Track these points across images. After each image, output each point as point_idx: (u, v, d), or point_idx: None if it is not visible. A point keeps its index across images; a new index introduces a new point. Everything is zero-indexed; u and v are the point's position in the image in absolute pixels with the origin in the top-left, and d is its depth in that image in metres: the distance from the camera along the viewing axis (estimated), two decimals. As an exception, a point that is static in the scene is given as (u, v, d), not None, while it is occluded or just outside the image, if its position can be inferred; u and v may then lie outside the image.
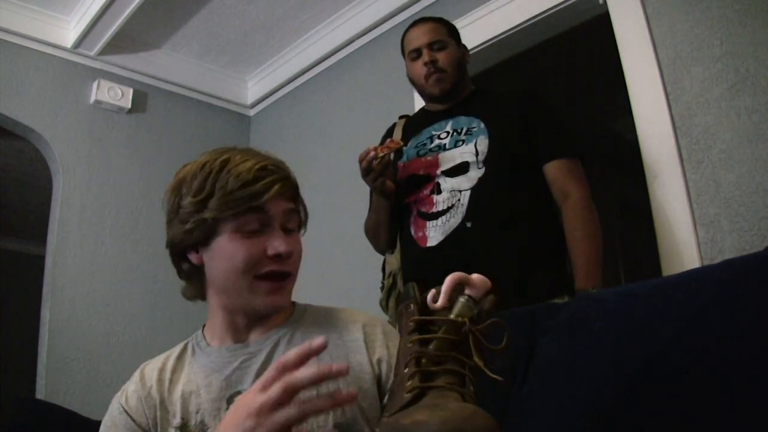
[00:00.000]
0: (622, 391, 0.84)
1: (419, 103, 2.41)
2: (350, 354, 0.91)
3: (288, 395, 0.66)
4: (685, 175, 1.68)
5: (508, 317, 1.12)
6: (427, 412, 0.55)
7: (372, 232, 1.76)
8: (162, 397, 0.91)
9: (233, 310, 0.92)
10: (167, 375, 0.94)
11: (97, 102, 2.79)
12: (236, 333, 0.94)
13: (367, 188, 1.75)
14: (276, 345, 0.92)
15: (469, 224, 1.50)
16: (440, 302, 0.66)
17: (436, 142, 1.64)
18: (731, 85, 1.64)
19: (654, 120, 1.77)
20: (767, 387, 0.73)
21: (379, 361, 0.91)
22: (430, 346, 0.63)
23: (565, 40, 2.33)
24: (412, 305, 0.69)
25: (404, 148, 1.69)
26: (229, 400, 0.87)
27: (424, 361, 0.63)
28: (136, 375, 0.97)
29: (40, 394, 2.37)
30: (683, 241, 1.64)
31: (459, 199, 1.53)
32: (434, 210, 1.56)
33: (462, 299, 0.65)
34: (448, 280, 0.67)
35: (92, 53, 2.78)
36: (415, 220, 1.60)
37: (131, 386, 0.95)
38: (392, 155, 1.60)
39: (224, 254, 0.87)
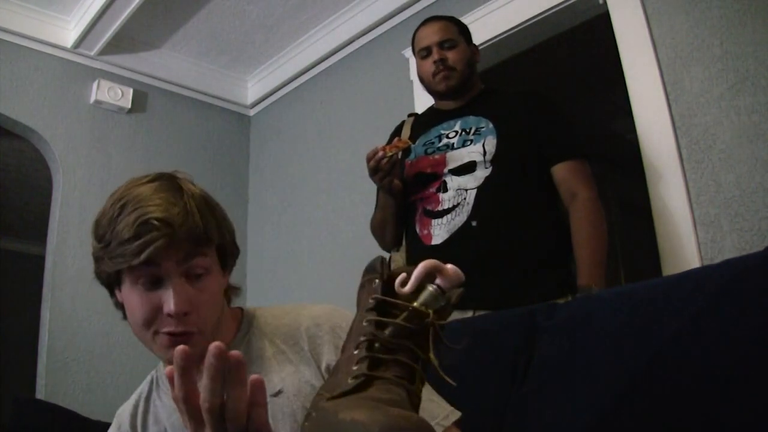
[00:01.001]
0: (622, 390, 0.84)
1: (419, 103, 2.41)
2: (300, 366, 0.86)
3: (217, 418, 0.59)
4: (685, 175, 1.68)
5: (508, 317, 1.13)
6: (368, 413, 0.50)
7: (378, 229, 1.76)
8: None
9: None
10: (139, 418, 0.93)
11: (97, 102, 2.79)
12: None
13: (369, 188, 1.75)
14: None
15: (474, 223, 1.50)
16: (408, 287, 0.61)
17: (444, 141, 1.64)
18: (731, 85, 1.64)
19: (654, 120, 1.77)
20: (767, 387, 0.73)
21: (329, 368, 0.85)
22: (386, 331, 0.59)
23: (565, 40, 2.33)
24: (376, 281, 0.64)
25: (412, 146, 1.69)
26: None
27: (376, 345, 0.58)
28: (114, 425, 0.96)
29: (40, 394, 2.37)
30: (683, 241, 1.64)
31: (465, 198, 1.53)
32: (440, 208, 1.56)
33: (431, 288, 0.61)
34: (422, 266, 0.62)
35: (92, 53, 2.78)
36: (421, 217, 1.60)
37: None
38: (400, 154, 1.60)
39: (128, 304, 0.84)
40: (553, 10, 2.10)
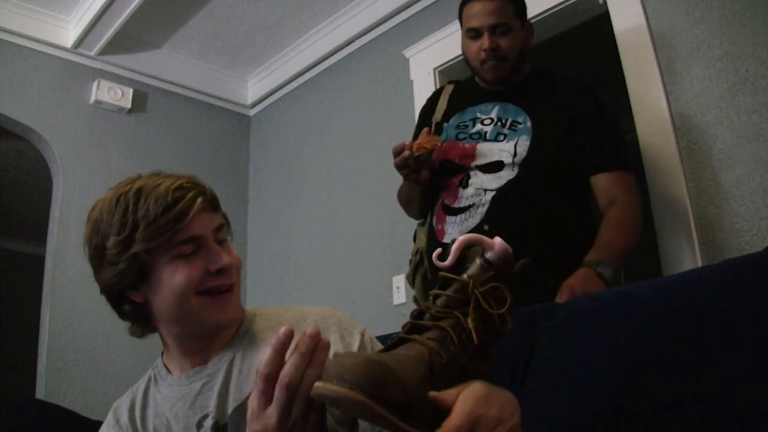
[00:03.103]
0: (622, 390, 0.84)
1: (419, 103, 2.40)
2: None
3: (290, 396, 0.62)
4: (685, 175, 1.68)
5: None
6: (356, 358, 0.57)
7: (404, 203, 1.72)
8: None
9: (184, 337, 0.91)
10: (137, 413, 0.94)
11: (97, 102, 2.79)
12: (192, 358, 0.93)
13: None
14: (232, 361, 0.91)
15: (486, 227, 1.46)
16: (448, 261, 0.67)
17: (478, 127, 1.57)
18: (731, 85, 1.64)
19: (654, 120, 1.77)
20: (766, 386, 0.73)
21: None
22: (438, 302, 0.65)
23: (565, 40, 2.33)
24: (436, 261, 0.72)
25: (445, 124, 1.62)
26: (198, 425, 0.88)
27: (427, 316, 0.65)
28: (111, 418, 0.97)
29: (40, 394, 2.37)
30: (683, 241, 1.64)
31: (482, 199, 1.49)
32: (456, 205, 1.52)
33: (478, 261, 0.66)
34: (458, 241, 0.67)
35: (92, 53, 2.78)
36: (438, 211, 1.56)
37: (110, 430, 0.95)
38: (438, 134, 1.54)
39: (167, 282, 0.85)
40: (553, 10, 2.10)
